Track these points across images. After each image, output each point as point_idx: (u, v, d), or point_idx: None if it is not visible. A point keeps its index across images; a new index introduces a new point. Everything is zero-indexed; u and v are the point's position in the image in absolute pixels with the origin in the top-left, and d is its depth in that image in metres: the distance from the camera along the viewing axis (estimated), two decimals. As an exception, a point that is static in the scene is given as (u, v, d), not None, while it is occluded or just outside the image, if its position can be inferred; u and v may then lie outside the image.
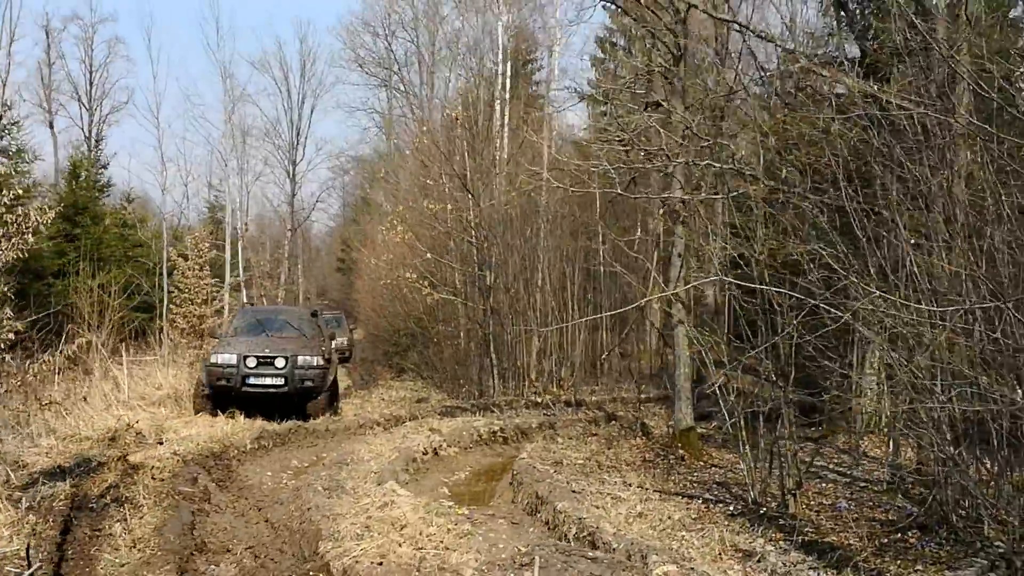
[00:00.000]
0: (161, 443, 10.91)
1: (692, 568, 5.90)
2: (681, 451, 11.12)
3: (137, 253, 23.56)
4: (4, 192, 6.85)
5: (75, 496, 7.83)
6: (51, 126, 40.33)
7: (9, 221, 6.83)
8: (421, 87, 38.96)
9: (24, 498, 7.53)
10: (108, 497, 7.90)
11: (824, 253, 5.67)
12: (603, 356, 18.10)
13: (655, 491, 8.89)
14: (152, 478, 8.72)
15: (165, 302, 22.04)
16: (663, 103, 10.49)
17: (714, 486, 9.27)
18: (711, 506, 8.36)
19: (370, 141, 48.82)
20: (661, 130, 8.58)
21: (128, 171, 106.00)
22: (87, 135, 41.81)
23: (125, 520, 7.21)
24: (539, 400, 16.75)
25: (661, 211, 11.99)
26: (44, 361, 7.29)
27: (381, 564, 5.92)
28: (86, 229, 22.41)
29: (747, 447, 8.13)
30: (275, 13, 76.49)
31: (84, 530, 7.00)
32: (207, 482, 9.12)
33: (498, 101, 24.86)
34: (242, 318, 16.02)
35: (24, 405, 8.40)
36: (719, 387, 8.48)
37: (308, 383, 13.87)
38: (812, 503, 8.20)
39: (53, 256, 21.33)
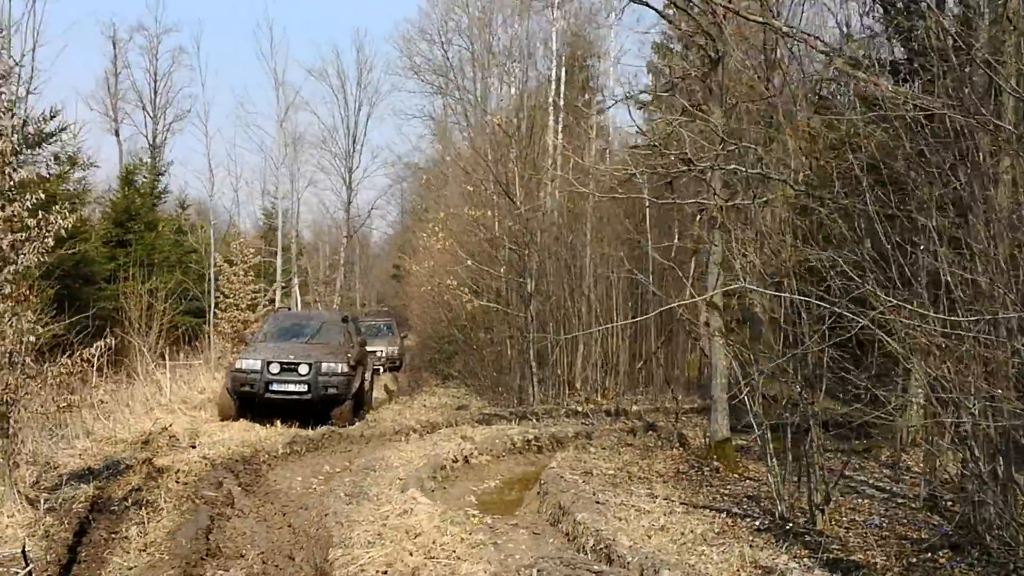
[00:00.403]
0: (194, 447, 10.99)
1: (706, 585, 5.73)
2: (716, 463, 10.88)
3: (189, 259, 23.87)
4: (28, 196, 6.91)
5: (97, 498, 7.90)
6: (117, 134, 41.23)
7: (31, 225, 6.88)
8: (474, 93, 38.98)
9: (48, 499, 7.62)
10: (130, 500, 7.94)
11: (841, 260, 5.44)
12: (640, 365, 17.83)
13: (681, 503, 8.68)
14: (176, 482, 8.76)
15: (211, 307, 22.29)
16: (692, 108, 10.28)
17: (744, 499, 9.02)
18: (738, 520, 8.12)
19: (425, 148, 49.04)
20: (687, 134, 8.39)
21: (184, 179, 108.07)
22: (151, 143, 42.69)
23: (143, 523, 7.24)
24: (579, 409, 16.58)
25: (698, 218, 11.75)
26: (64, 364, 7.26)
27: (386, 573, 5.83)
28: (139, 235, 22.78)
29: (774, 460, 7.89)
30: (332, 21, 77.16)
31: (100, 532, 7.04)
32: (232, 486, 9.14)
33: (551, 107, 24.77)
34: (272, 324, 15.98)
35: (55, 407, 8.44)
36: (748, 398, 8.26)
37: (332, 390, 13.69)
38: (844, 519, 7.90)
39: (104, 261, 21.70)
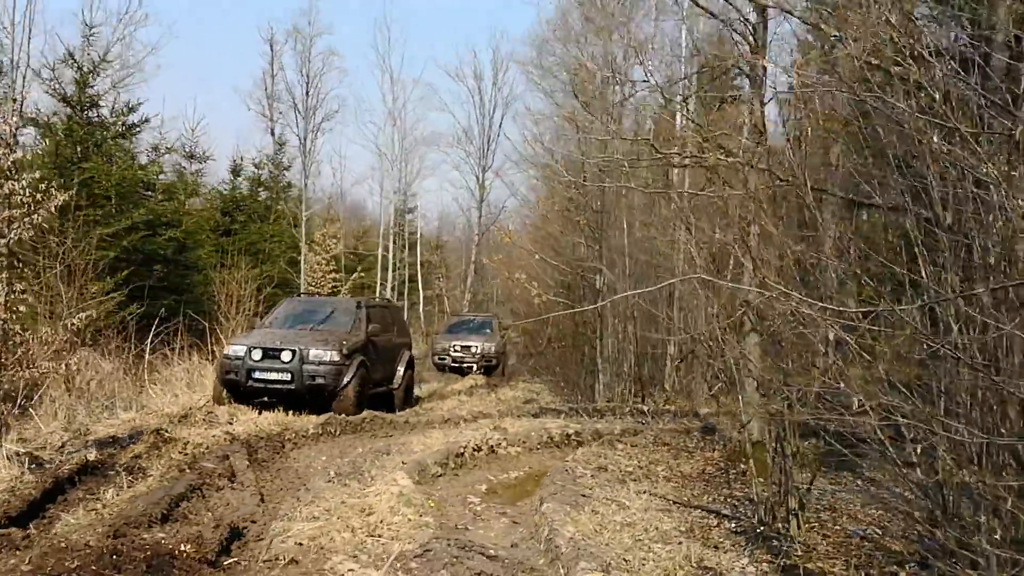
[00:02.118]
0: (231, 423, 11.36)
1: (621, 580, 5.51)
2: (743, 466, 10.41)
3: (293, 249, 24.74)
4: (25, 175, 7.28)
5: (96, 463, 8.26)
6: (272, 133, 43.19)
7: (26, 202, 7.26)
8: (606, 93, 38.61)
9: (49, 462, 8.06)
10: (124, 466, 8.26)
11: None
12: (678, 362, 17.25)
13: (675, 503, 8.36)
14: (180, 452, 9.06)
15: (300, 294, 23.00)
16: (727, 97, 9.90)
17: (746, 503, 8.61)
18: (723, 522, 7.78)
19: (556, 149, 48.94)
20: (696, 125, 8.06)
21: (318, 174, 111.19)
22: (301, 142, 44.51)
23: (121, 487, 7.53)
24: (644, 409, 16.22)
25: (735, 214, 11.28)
26: (48, 334, 7.62)
27: (301, 545, 5.85)
28: (243, 225, 23.80)
29: (754, 461, 7.50)
30: (468, 19, 78.47)
31: (79, 493, 7.36)
32: (241, 461, 9.36)
33: (679, 104, 24.26)
34: (284, 308, 15.40)
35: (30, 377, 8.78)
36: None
37: (320, 380, 12.89)
38: (829, 527, 7.45)
39: (211, 251, 22.76)
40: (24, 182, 7.27)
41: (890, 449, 5.19)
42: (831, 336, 5.27)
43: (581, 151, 16.15)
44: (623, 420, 14.62)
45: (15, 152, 7.27)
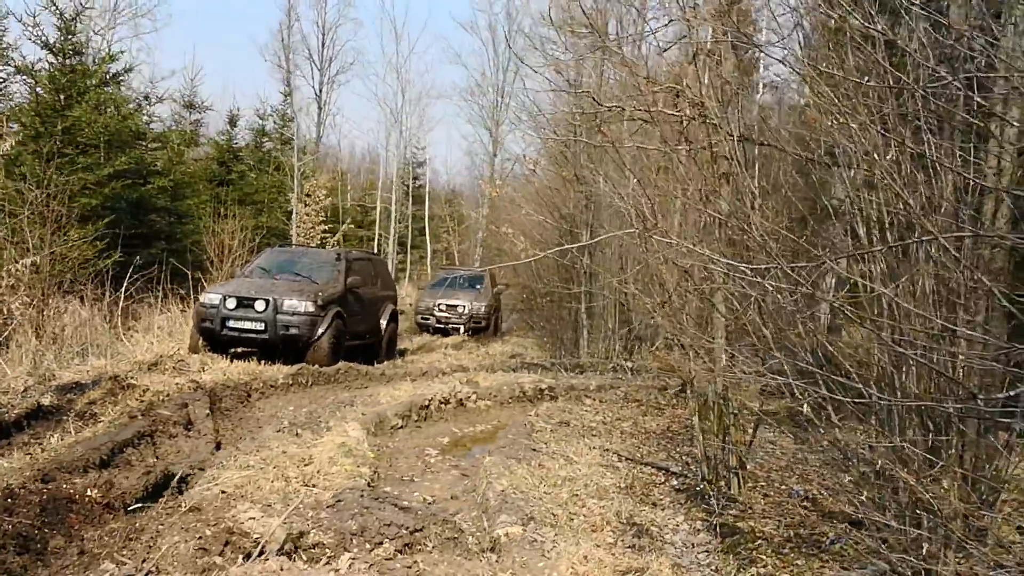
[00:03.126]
0: (201, 372, 11.39)
1: (539, 535, 5.50)
2: (708, 423, 10.37)
3: (283, 200, 24.65)
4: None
5: (48, 407, 8.29)
6: (288, 84, 43.04)
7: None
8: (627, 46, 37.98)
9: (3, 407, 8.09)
10: (76, 412, 8.28)
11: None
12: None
13: (626, 459, 8.34)
14: (138, 399, 9.08)
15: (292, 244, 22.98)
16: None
17: (701, 460, 8.58)
18: (670, 479, 7.76)
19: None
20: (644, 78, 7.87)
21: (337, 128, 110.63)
22: (317, 94, 44.31)
23: (68, 433, 7.56)
24: (629, 365, 16.18)
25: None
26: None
27: (224, 493, 5.85)
28: (241, 175, 23.75)
29: (699, 418, 7.43)
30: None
31: (23, 437, 7.40)
32: (201, 409, 9.38)
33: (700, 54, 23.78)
34: (264, 258, 15.30)
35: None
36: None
37: (293, 330, 12.85)
38: (776, 486, 7.41)
39: (207, 200, 22.72)
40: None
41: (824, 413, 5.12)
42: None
43: (569, 105, 15.92)
44: (603, 376, 14.58)
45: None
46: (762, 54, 8.53)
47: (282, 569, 3.94)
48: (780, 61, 6.66)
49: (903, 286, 3.79)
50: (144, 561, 3.95)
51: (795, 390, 4.68)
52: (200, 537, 4.26)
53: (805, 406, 5.08)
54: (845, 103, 4.36)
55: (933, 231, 3.54)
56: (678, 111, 6.88)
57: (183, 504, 5.04)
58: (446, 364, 14.80)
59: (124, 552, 4.03)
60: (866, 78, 4.01)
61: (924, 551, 4.73)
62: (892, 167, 4.34)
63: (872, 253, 3.82)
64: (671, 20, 11.02)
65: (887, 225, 4.01)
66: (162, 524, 4.45)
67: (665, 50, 13.18)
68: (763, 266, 3.91)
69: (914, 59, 3.78)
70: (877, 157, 4.26)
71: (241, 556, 4.29)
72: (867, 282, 4.03)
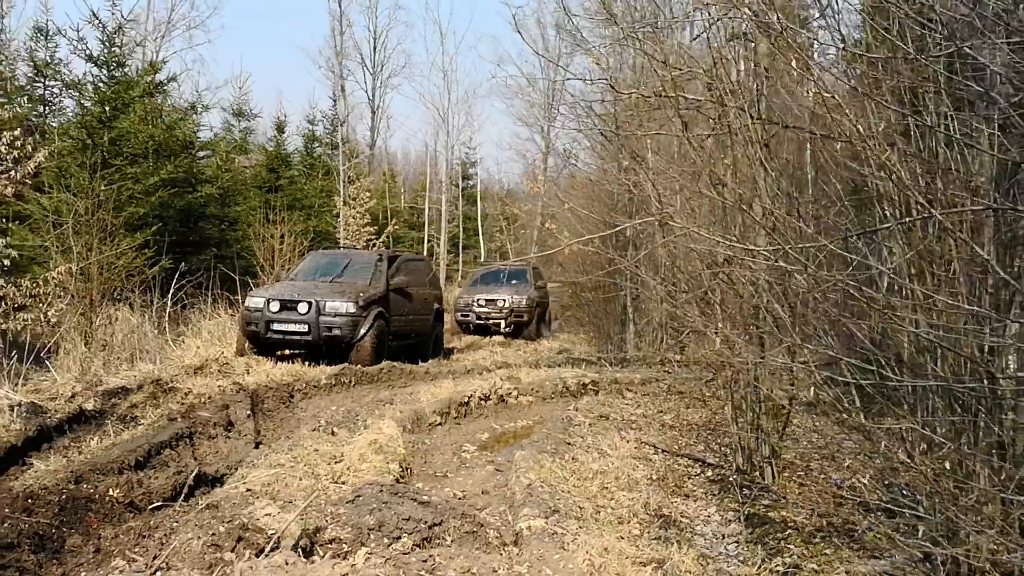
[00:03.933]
0: (246, 374, 11.54)
1: (562, 527, 5.44)
2: (751, 414, 10.19)
3: (332, 204, 24.85)
4: (5, 134, 7.40)
5: (92, 411, 8.46)
6: (342, 90, 43.56)
7: (5, 157, 7.38)
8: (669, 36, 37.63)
9: (50, 410, 8.29)
10: (118, 415, 8.44)
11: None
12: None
13: (663, 451, 8.24)
14: (179, 402, 9.22)
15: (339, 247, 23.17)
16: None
17: (735, 450, 8.44)
18: (706, 470, 7.65)
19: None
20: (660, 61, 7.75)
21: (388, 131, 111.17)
22: (370, 98, 44.81)
23: (107, 435, 7.71)
24: (678, 359, 15.99)
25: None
26: (25, 285, 7.76)
27: (249, 491, 5.90)
28: (291, 181, 24.06)
29: (732, 408, 7.31)
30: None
31: (65, 440, 7.55)
32: (241, 410, 9.49)
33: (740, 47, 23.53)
34: (308, 261, 15.62)
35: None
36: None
37: (336, 331, 13.00)
38: (814, 475, 7.24)
39: (256, 206, 23.02)
40: (5, 140, 7.38)
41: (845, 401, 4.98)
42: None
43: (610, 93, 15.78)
44: (649, 370, 14.46)
45: (-6, 111, 7.40)
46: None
47: (287, 563, 3.94)
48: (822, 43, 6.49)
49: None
50: (155, 558, 3.97)
51: (841, 375, 4.54)
52: (213, 534, 4.28)
53: (827, 392, 4.93)
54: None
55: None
56: (711, 96, 6.77)
57: (202, 502, 5.08)
58: (491, 361, 14.80)
59: (136, 549, 4.06)
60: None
61: (958, 538, 4.58)
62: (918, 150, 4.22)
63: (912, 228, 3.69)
64: (707, 4, 10.86)
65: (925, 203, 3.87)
66: (177, 522, 4.48)
67: (696, 37, 13.01)
68: (780, 247, 3.79)
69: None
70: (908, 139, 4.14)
71: (253, 552, 4.30)
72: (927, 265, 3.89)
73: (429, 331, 15.74)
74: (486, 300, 21.60)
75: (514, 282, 22.40)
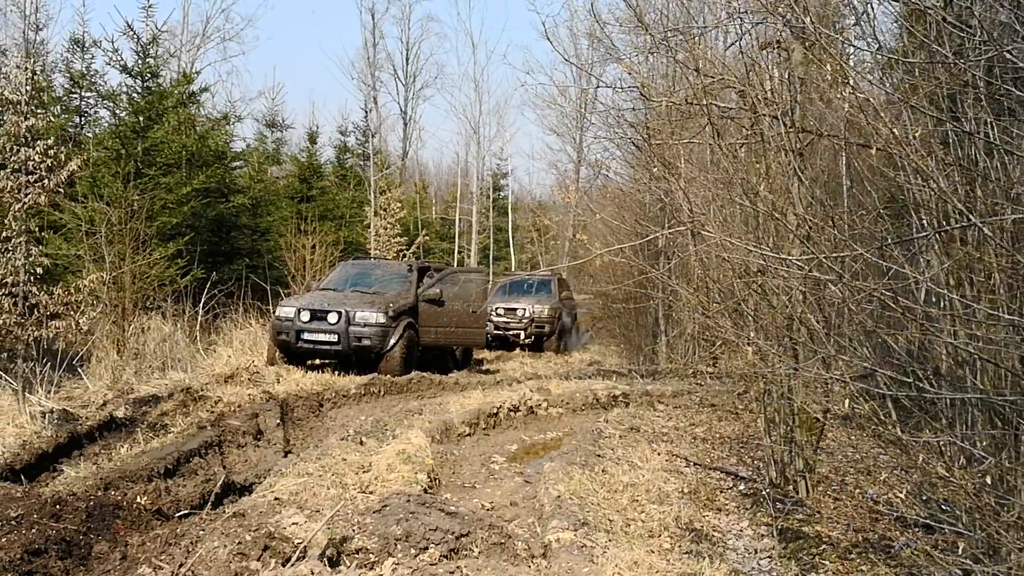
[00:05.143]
0: (276, 384, 11.57)
1: (591, 540, 5.36)
2: (784, 428, 10.05)
3: (364, 215, 24.93)
4: (39, 143, 7.46)
5: (122, 419, 8.50)
6: (375, 101, 43.87)
7: (40, 167, 7.44)
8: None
9: (80, 417, 8.34)
10: (146, 423, 8.48)
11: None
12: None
13: (695, 463, 8.13)
14: (208, 411, 9.24)
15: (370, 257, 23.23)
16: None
17: (769, 464, 8.31)
18: (739, 484, 7.53)
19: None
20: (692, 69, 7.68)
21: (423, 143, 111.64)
22: (403, 109, 45.07)
23: (136, 443, 7.74)
24: (710, 371, 15.85)
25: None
26: (57, 293, 7.80)
27: (277, 500, 5.89)
28: (322, 191, 24.21)
29: (765, 421, 7.19)
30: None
31: (95, 448, 7.59)
32: (271, 419, 9.49)
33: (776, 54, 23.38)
34: (338, 272, 15.63)
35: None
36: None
37: (365, 341, 12.98)
38: (849, 490, 7.10)
39: (289, 216, 23.16)
40: (39, 148, 7.45)
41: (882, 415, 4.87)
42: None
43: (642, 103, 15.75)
44: (680, 382, 14.34)
45: (29, 120, 7.46)
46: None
47: (313, 573, 3.91)
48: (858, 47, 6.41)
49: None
50: (181, 566, 3.96)
51: (877, 388, 4.44)
52: (239, 542, 4.26)
53: (863, 404, 4.83)
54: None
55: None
56: (744, 104, 6.70)
57: (229, 510, 5.07)
58: (520, 373, 14.75)
59: (163, 557, 4.05)
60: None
61: (999, 555, 4.46)
62: (957, 157, 4.13)
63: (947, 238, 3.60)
64: (744, 11, 10.77)
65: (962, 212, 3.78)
66: (203, 530, 4.46)
67: (730, 46, 12.93)
68: (814, 256, 3.72)
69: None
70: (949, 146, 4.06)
71: (279, 561, 4.27)
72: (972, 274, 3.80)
73: (464, 341, 15.56)
74: (505, 309, 20.54)
75: (539, 291, 21.57)
